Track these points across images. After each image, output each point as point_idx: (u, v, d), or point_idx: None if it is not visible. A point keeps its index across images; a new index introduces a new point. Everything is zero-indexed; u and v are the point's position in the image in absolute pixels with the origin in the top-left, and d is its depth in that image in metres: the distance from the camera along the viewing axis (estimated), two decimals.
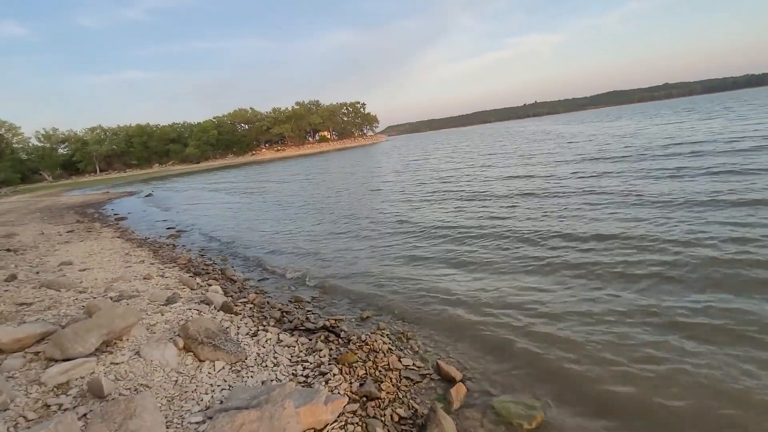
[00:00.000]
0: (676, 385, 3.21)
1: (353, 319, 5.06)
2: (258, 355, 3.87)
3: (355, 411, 3.07)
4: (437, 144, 57.35)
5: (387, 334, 4.54)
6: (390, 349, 4.18)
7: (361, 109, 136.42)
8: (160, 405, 2.82)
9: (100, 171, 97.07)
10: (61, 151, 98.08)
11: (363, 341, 4.25)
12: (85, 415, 2.58)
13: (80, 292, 5.29)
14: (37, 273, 6.45)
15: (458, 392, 3.38)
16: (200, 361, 3.57)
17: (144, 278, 6.34)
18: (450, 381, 3.59)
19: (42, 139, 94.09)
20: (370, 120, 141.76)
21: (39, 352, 3.30)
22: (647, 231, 6.63)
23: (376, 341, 4.26)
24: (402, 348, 4.28)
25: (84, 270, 6.79)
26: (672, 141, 18.09)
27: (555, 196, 10.53)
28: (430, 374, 3.73)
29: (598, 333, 4.05)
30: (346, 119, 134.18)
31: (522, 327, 4.38)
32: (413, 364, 3.88)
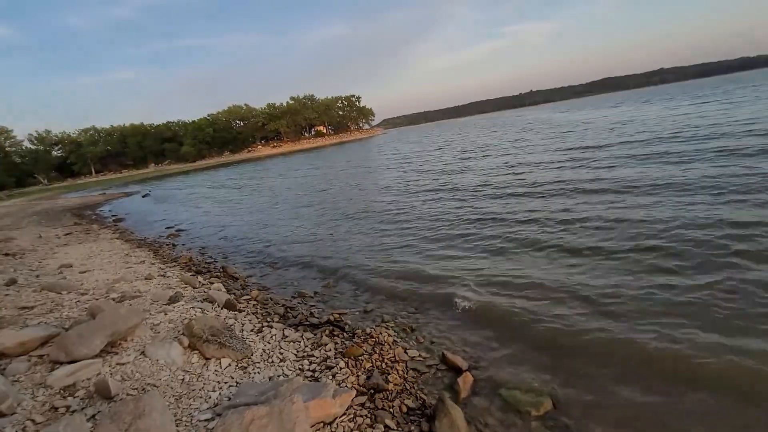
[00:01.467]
0: (687, 375, 3.18)
1: (357, 313, 5.05)
2: (264, 351, 3.87)
3: (364, 403, 3.08)
4: (433, 137, 57.12)
5: (392, 326, 4.54)
6: (395, 341, 4.19)
7: (357, 103, 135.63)
8: (168, 404, 2.82)
9: (96, 172, 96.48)
10: (55, 153, 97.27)
11: (368, 334, 4.26)
12: (93, 416, 2.57)
13: (82, 294, 5.26)
14: (37, 276, 6.42)
15: (465, 382, 3.39)
16: (206, 359, 3.56)
17: (145, 278, 6.31)
18: (456, 371, 3.60)
19: (35, 141, 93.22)
20: (366, 113, 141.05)
21: (43, 355, 3.28)
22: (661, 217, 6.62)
23: (380, 334, 4.27)
24: (407, 339, 4.28)
25: (84, 272, 6.75)
26: None
27: (559, 187, 10.52)
28: (437, 365, 3.74)
29: (605, 320, 4.05)
30: (341, 113, 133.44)
31: (527, 315, 4.38)
32: (419, 356, 3.89)
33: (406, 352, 3.94)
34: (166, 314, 4.50)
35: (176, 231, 12.78)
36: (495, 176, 13.36)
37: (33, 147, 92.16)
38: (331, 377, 3.41)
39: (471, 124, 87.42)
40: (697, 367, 3.18)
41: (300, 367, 3.64)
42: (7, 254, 8.46)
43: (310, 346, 4.04)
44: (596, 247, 5.75)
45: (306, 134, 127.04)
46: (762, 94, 28.90)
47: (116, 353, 3.43)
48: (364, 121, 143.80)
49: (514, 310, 4.49)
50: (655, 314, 3.94)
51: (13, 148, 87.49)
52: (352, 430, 2.79)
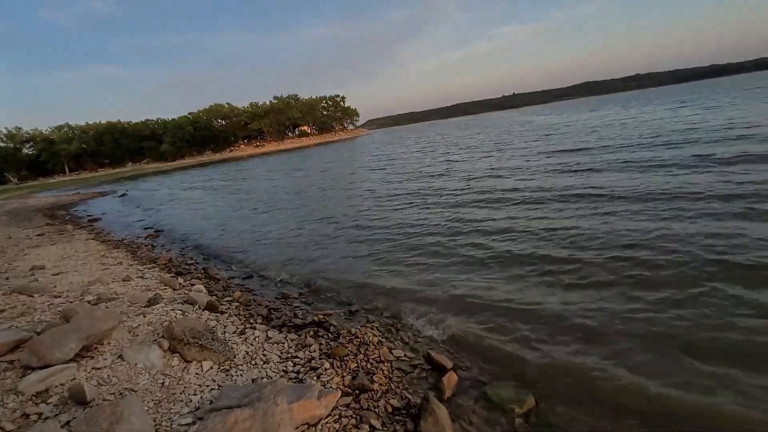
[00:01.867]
0: (664, 372, 3.25)
1: (342, 314, 5.03)
2: (247, 353, 3.81)
3: (349, 404, 3.06)
4: (417, 138, 57.43)
5: (377, 327, 4.53)
6: (380, 341, 4.18)
7: (341, 103, 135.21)
8: (147, 408, 2.74)
9: (70, 171, 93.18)
10: (26, 151, 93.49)
11: (353, 335, 4.24)
12: (68, 422, 2.48)
13: (55, 297, 5.07)
14: (7, 279, 6.15)
15: (450, 381, 3.41)
16: (187, 362, 3.48)
17: (123, 280, 6.12)
18: (441, 370, 3.62)
19: (4, 138, 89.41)
20: (351, 113, 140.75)
21: (14, 361, 3.14)
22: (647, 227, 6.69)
23: (366, 334, 4.25)
24: (392, 339, 4.29)
25: (57, 274, 6.50)
26: None
27: (535, 193, 10.71)
28: (422, 364, 3.76)
29: (583, 319, 4.15)
30: (325, 113, 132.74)
31: (509, 315, 4.45)
32: (404, 355, 3.90)
33: (391, 352, 3.94)
34: (144, 316, 4.38)
35: (155, 232, 12.45)
36: (477, 180, 13.35)
37: (2, 144, 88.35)
38: (315, 378, 3.38)
39: (456, 126, 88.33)
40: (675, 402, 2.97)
41: (284, 368, 3.59)
42: None
43: (294, 348, 4.00)
44: (575, 259, 5.58)
45: (290, 134, 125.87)
46: (734, 101, 30.18)
47: (92, 357, 3.31)
48: (348, 121, 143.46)
49: (497, 312, 4.56)
50: (637, 336, 3.77)
51: None
52: (337, 430, 2.78)
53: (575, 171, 12.13)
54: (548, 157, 16.19)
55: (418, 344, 4.17)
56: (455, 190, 12.22)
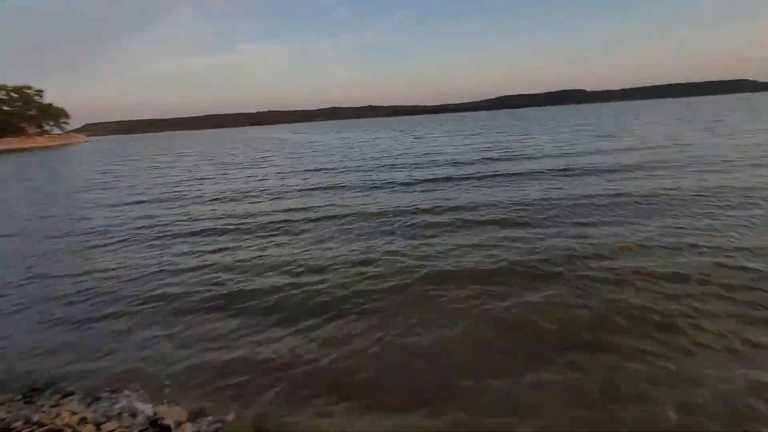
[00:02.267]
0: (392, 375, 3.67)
1: (18, 398, 3.54)
2: None
3: None
4: (156, 150, 49.64)
5: (78, 398, 3.46)
6: (84, 418, 3.21)
7: (36, 98, 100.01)
8: None
9: None
10: None
11: (35, 423, 3.07)
12: None
13: None
14: None
15: None
16: None
17: None
18: (171, 426, 3.11)
19: None
20: (54, 113, 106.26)
21: None
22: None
23: (59, 415, 3.18)
24: (105, 409, 3.37)
25: None
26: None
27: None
28: (145, 429, 3.11)
29: (307, 355, 4.18)
30: (7, 109, 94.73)
31: (245, 359, 4.06)
32: (119, 427, 3.11)
33: (99, 429, 3.07)
34: None
35: None
36: (225, 203, 12.34)
37: None
38: None
39: (207, 139, 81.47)
40: None
41: None
42: None
43: None
44: (313, 282, 5.73)
45: None
46: (430, 133, 41.47)
47: None
48: (51, 123, 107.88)
49: (228, 351, 4.31)
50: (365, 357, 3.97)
51: None
52: None
53: (324, 189, 13.33)
54: (298, 175, 17.25)
55: (144, 402, 3.43)
56: (196, 216, 10.66)
